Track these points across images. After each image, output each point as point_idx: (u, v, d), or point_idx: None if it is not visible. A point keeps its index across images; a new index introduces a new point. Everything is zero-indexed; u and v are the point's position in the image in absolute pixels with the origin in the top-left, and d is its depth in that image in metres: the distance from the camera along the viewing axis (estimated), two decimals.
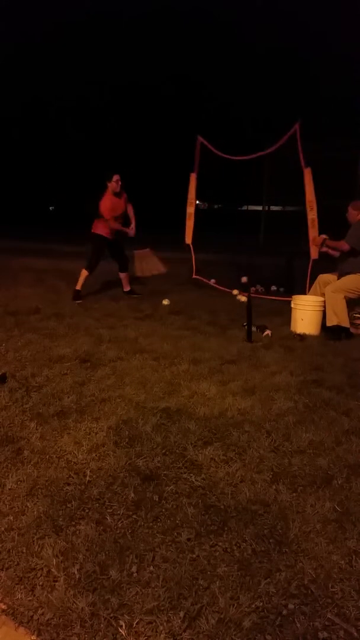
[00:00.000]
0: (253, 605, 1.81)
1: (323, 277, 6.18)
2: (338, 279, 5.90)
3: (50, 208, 38.75)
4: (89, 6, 33.85)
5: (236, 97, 30.39)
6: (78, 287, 7.30)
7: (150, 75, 32.04)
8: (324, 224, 6.94)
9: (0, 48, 31.81)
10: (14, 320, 5.75)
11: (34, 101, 32.27)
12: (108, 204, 7.20)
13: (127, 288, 7.84)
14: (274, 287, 8.55)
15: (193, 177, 9.88)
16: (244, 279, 8.35)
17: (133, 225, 7.47)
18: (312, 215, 6.97)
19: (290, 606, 1.82)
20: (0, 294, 7.52)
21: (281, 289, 8.62)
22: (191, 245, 10.14)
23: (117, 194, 7.23)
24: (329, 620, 1.76)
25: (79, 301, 7.13)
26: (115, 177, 7.19)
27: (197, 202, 10.32)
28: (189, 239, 10.13)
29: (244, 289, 8.31)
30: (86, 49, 32.30)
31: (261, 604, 1.82)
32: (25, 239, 18.60)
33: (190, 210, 9.99)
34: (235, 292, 8.41)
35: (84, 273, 7.34)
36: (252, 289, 8.34)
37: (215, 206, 31.68)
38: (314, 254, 6.89)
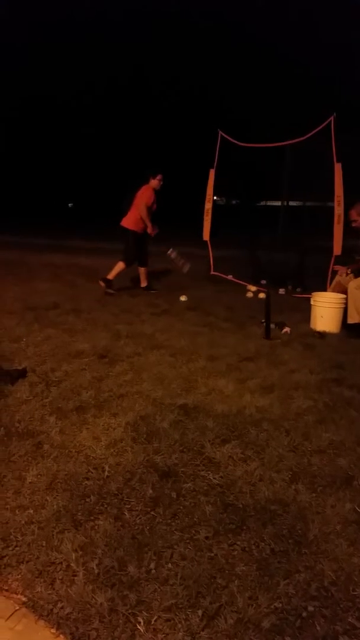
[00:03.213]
0: (272, 606, 1.79)
1: None
2: (355, 276, 5.85)
3: (69, 205, 38.91)
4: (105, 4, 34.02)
5: (256, 93, 30.16)
6: (110, 276, 7.42)
7: (169, 70, 31.98)
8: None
9: (19, 40, 31.97)
10: (34, 315, 5.79)
11: (51, 99, 32.39)
12: (151, 192, 7.37)
13: (144, 284, 7.86)
14: (299, 289, 8.42)
15: (212, 173, 9.86)
16: (282, 291, 8.30)
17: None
18: (339, 210, 6.92)
19: (310, 608, 1.80)
20: (20, 289, 7.57)
21: (286, 287, 8.53)
22: (209, 242, 10.14)
23: (155, 191, 7.39)
24: (350, 625, 1.74)
25: (110, 290, 7.29)
26: (160, 176, 7.40)
27: (215, 197, 10.30)
28: (206, 235, 10.13)
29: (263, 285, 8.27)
30: (107, 43, 32.39)
31: (280, 605, 1.80)
32: (44, 235, 18.72)
33: (208, 206, 9.98)
34: (251, 287, 8.36)
35: (121, 265, 7.47)
36: (281, 289, 8.30)
37: (233, 202, 31.51)
38: (337, 250, 6.84)
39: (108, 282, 7.38)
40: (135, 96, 32.64)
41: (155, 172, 7.50)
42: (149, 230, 7.43)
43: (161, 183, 7.49)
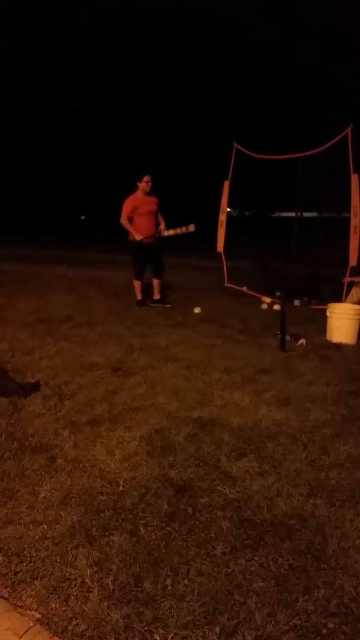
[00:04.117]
0: (291, 623, 1.75)
1: None
2: None
3: (82, 217, 39.27)
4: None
5: (270, 102, 30.30)
6: (138, 297, 7.54)
7: (185, 81, 32.37)
8: None
9: (33, 52, 32.63)
10: (47, 328, 5.81)
11: (62, 110, 32.87)
12: (130, 201, 7.34)
13: (157, 296, 7.76)
14: (314, 300, 8.33)
15: (226, 185, 9.89)
16: (297, 302, 8.23)
17: (162, 226, 7.57)
18: (355, 221, 6.89)
19: (330, 625, 1.75)
20: (33, 302, 7.62)
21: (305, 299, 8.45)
22: (222, 253, 10.14)
23: (147, 194, 7.34)
24: None
25: (144, 306, 7.41)
26: (146, 178, 7.29)
27: (229, 209, 10.31)
28: (220, 247, 10.13)
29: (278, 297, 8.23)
30: (121, 53, 32.94)
31: (299, 621, 1.76)
32: (58, 247, 18.90)
33: (222, 218, 9.99)
34: (265, 299, 8.31)
35: (136, 283, 7.56)
36: (296, 301, 8.23)
37: (247, 213, 31.58)
38: (352, 260, 6.80)
39: (139, 303, 7.49)
40: (149, 108, 33.02)
41: (140, 175, 7.36)
42: (134, 237, 7.38)
43: (150, 184, 7.33)
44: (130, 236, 7.43)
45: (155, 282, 7.71)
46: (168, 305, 7.65)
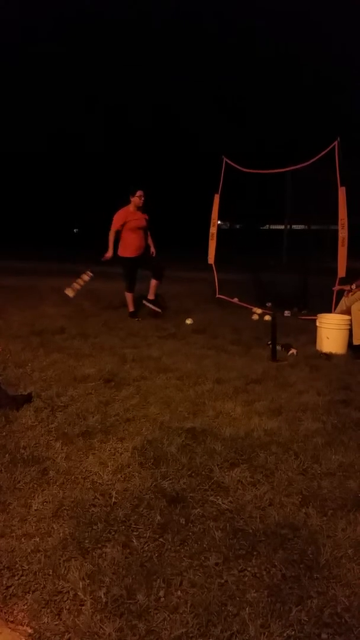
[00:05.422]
0: (285, 634, 1.75)
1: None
2: None
3: (75, 230, 39.31)
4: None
5: (262, 115, 30.67)
6: (130, 309, 7.58)
7: (175, 95, 32.71)
8: (353, 242, 6.94)
9: (25, 70, 32.77)
10: (40, 340, 5.79)
11: (57, 121, 33.02)
12: (121, 214, 7.38)
13: (151, 297, 7.64)
14: (304, 311, 8.34)
15: (217, 198, 9.99)
16: (287, 313, 8.25)
17: (153, 250, 7.66)
18: (343, 233, 6.96)
19: (324, 636, 1.75)
20: (27, 314, 7.60)
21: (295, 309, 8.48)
22: (214, 265, 10.21)
23: (138, 209, 7.37)
24: None
25: (137, 318, 7.42)
26: (139, 193, 7.34)
27: (219, 222, 10.40)
28: (211, 259, 10.21)
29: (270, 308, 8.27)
30: (115, 67, 33.25)
31: (293, 632, 1.76)
32: (51, 260, 18.89)
33: (213, 230, 10.08)
34: (256, 310, 8.35)
35: (127, 295, 7.62)
36: (286, 311, 8.26)
37: (237, 226, 31.82)
38: (341, 272, 6.85)
39: (131, 314, 7.52)
40: (142, 119, 33.28)
41: (134, 190, 7.41)
42: (107, 254, 7.39)
43: (142, 199, 7.38)
44: (122, 251, 7.44)
45: (153, 282, 7.57)
46: (159, 310, 7.63)
